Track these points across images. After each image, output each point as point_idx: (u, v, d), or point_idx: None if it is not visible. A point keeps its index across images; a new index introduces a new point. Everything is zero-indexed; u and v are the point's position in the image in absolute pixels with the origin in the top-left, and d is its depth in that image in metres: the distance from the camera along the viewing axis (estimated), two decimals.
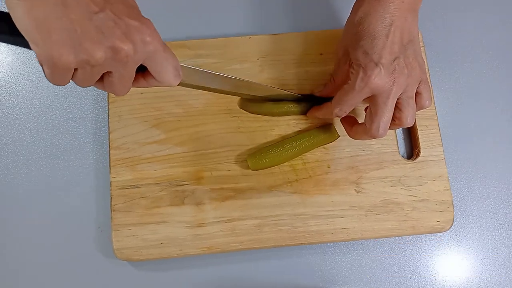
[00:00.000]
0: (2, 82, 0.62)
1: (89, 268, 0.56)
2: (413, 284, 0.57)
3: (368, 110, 0.48)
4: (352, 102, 0.48)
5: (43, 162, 0.59)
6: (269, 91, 0.56)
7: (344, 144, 0.58)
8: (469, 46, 0.65)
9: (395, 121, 0.49)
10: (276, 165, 0.56)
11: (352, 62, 0.48)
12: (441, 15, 0.66)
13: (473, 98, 0.63)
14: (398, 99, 0.47)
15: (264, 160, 0.55)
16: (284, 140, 0.57)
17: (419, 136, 0.58)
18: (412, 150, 0.60)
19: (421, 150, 0.58)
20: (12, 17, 0.33)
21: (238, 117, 0.58)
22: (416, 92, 0.49)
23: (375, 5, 0.46)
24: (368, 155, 0.58)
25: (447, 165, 0.58)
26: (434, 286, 0.57)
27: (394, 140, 0.59)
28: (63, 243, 0.57)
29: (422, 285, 0.57)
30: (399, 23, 0.46)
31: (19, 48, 0.63)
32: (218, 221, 0.55)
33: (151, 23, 0.38)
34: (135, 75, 0.39)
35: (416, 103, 0.50)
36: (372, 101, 0.47)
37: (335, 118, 0.58)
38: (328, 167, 0.57)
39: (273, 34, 0.61)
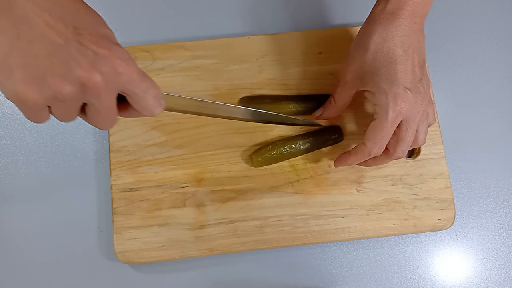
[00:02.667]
0: None
1: (91, 271, 0.56)
2: (413, 284, 0.57)
3: (392, 135, 0.47)
4: (388, 135, 0.46)
5: (43, 162, 0.59)
6: (262, 116, 0.52)
7: (345, 144, 0.58)
8: (469, 46, 0.64)
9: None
10: (280, 161, 0.56)
11: (367, 90, 0.47)
12: (441, 15, 0.65)
13: (473, 97, 0.63)
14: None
15: (267, 155, 0.55)
16: (288, 139, 0.57)
17: None
18: (412, 148, 0.60)
19: (422, 149, 0.58)
20: None
21: None
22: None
23: (391, 30, 0.45)
24: None
25: (447, 165, 0.58)
26: (434, 286, 0.57)
27: None
28: (64, 246, 0.57)
29: (422, 285, 0.57)
30: (415, 45, 0.45)
31: None
32: (220, 223, 0.55)
33: (124, 51, 0.35)
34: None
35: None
36: (398, 125, 0.46)
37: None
38: (329, 166, 0.57)
39: (271, 34, 0.60)
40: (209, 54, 0.59)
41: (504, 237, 0.59)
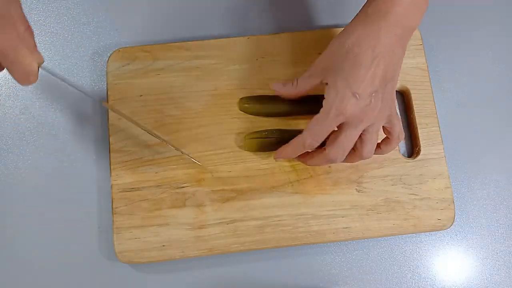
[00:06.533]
0: (2, 82, 0.62)
1: (91, 271, 0.56)
2: (413, 284, 0.57)
3: (332, 134, 0.48)
4: (325, 131, 0.47)
5: (43, 162, 0.59)
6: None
7: None
8: (469, 46, 0.64)
9: (355, 151, 0.49)
10: (271, 150, 0.56)
11: (326, 83, 0.47)
12: (441, 15, 0.65)
13: (473, 97, 0.63)
14: (363, 131, 0.47)
15: (260, 140, 0.55)
16: (284, 131, 0.56)
17: (419, 135, 0.58)
18: (412, 148, 0.60)
19: (422, 149, 0.58)
20: None
21: (238, 118, 0.58)
22: (387, 127, 0.49)
23: (368, 32, 0.45)
24: None
25: (447, 165, 0.58)
26: (434, 286, 0.57)
27: None
28: (64, 246, 0.57)
29: (422, 285, 0.57)
30: (386, 57, 0.45)
31: None
32: (219, 223, 0.55)
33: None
34: None
35: (391, 135, 0.50)
36: (338, 127, 0.47)
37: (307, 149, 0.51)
38: (329, 166, 0.57)
39: (271, 34, 0.60)
40: (209, 54, 0.59)
41: (504, 237, 0.59)
